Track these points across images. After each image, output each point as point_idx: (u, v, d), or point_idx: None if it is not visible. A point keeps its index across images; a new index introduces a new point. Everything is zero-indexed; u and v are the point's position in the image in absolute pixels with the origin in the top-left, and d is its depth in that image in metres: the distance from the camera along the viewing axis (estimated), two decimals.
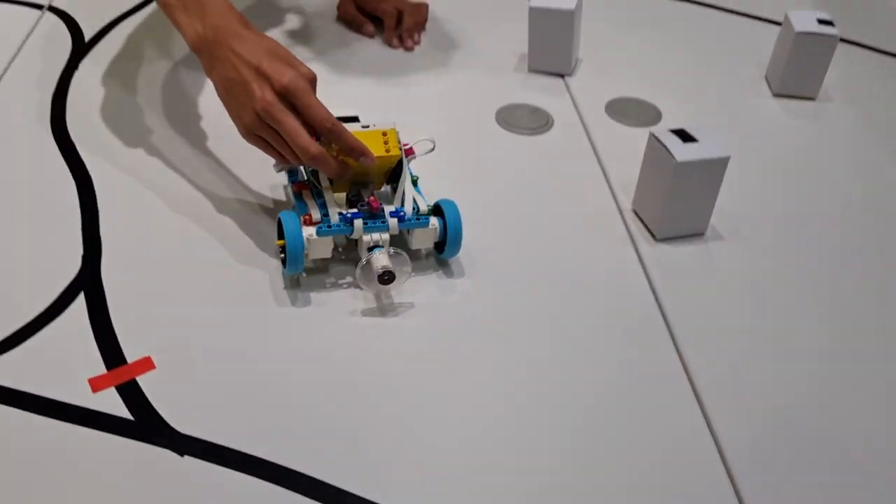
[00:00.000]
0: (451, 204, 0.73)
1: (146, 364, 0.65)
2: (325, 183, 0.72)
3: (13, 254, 0.73)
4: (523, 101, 0.99)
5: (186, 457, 0.57)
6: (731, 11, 1.25)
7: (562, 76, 1.04)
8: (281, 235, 0.70)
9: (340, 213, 0.70)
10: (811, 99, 1.05)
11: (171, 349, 0.65)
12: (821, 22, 1.01)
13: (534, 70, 1.05)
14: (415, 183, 0.76)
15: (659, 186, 0.78)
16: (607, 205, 0.84)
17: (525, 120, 0.95)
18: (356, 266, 0.69)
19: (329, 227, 0.69)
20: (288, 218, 0.69)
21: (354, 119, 0.75)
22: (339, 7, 1.14)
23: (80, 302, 0.69)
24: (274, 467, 0.57)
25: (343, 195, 0.73)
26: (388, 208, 0.71)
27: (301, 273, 0.71)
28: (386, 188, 0.76)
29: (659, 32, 1.18)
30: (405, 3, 1.11)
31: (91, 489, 0.55)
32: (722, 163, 0.77)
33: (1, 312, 0.67)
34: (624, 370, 0.66)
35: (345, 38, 1.11)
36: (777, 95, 1.05)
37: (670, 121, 0.98)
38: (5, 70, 0.98)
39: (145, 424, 0.59)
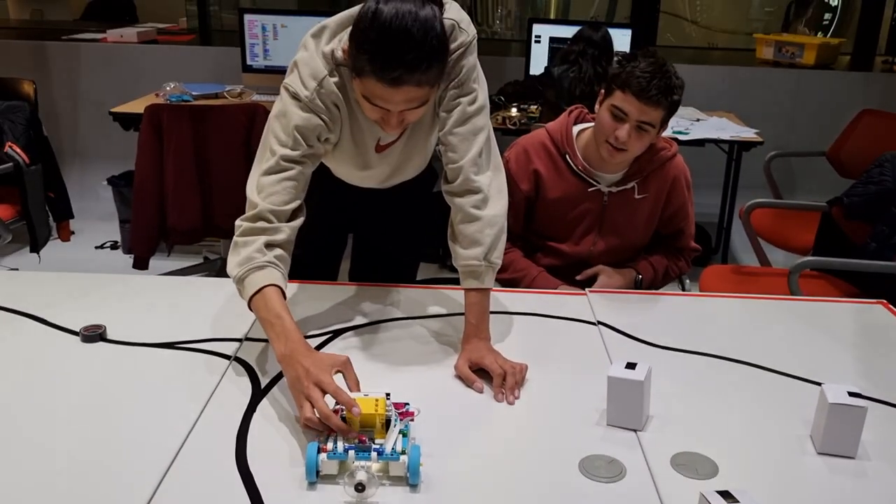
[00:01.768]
0: (416, 448, 1.13)
1: None
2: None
3: None
4: (602, 451, 1.22)
5: None
6: (779, 373, 1.48)
7: (635, 431, 1.28)
8: None
9: (345, 446, 1.13)
10: (850, 458, 1.23)
11: None
12: (851, 394, 1.23)
13: (611, 425, 1.29)
14: (403, 434, 1.16)
15: None
16: None
17: (603, 470, 1.18)
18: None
19: (333, 453, 1.12)
20: (311, 446, 1.13)
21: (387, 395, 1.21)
22: (456, 366, 1.43)
23: None
24: None
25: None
26: (379, 445, 1.14)
27: (315, 480, 1.12)
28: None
29: (717, 392, 1.41)
30: (509, 365, 1.40)
31: None
32: None
33: None
34: None
35: (457, 391, 1.39)
36: (820, 454, 1.24)
37: (726, 475, 1.17)
38: (203, 409, 1.29)
39: None
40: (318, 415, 1.18)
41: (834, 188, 2.64)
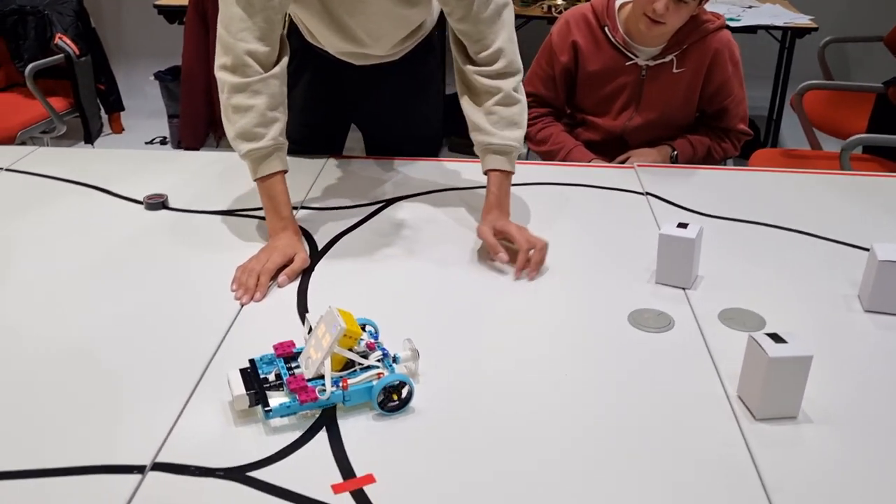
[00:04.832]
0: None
1: (369, 479, 0.91)
2: None
3: None
4: (650, 306, 1.25)
5: None
6: (829, 239, 1.49)
7: (683, 289, 1.30)
8: None
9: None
10: None
11: (387, 468, 0.92)
12: None
13: (660, 283, 1.32)
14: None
15: (757, 377, 1.01)
16: (717, 390, 1.07)
17: (651, 321, 1.21)
18: None
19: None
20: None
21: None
22: (479, 231, 1.40)
23: (323, 433, 0.98)
24: None
25: None
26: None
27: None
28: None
29: (766, 256, 1.42)
30: (535, 239, 1.37)
31: None
32: (807, 360, 0.99)
33: (277, 434, 0.97)
34: None
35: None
36: (868, 311, 1.26)
37: (773, 328, 1.20)
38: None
39: None
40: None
41: (892, 77, 2.56)
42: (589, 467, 0.93)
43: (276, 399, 0.99)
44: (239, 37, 1.32)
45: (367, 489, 0.89)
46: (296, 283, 1.31)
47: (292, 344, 1.07)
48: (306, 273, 1.34)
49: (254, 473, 0.91)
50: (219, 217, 1.54)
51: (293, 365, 1.04)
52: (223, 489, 0.89)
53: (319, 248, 1.43)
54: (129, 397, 1.03)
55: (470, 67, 1.46)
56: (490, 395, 1.05)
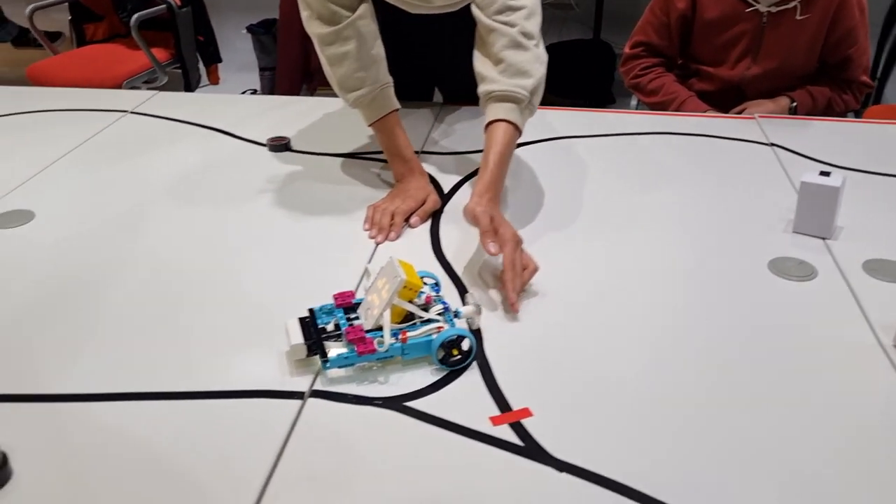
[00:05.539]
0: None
1: (526, 412, 0.92)
2: None
3: None
4: (791, 255, 1.22)
5: (564, 474, 0.83)
6: None
7: (823, 239, 1.27)
8: None
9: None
10: None
11: (544, 403, 0.92)
12: None
13: (798, 232, 1.28)
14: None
15: None
16: (869, 339, 1.04)
17: (793, 270, 1.18)
18: None
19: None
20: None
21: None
22: (470, 213, 1.17)
23: (474, 368, 0.99)
24: (626, 488, 0.81)
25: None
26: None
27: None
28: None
29: None
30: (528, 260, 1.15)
31: (490, 490, 0.81)
32: None
33: (429, 367, 0.99)
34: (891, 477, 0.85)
35: (617, 208, 1.41)
36: None
37: None
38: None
39: (531, 449, 0.86)
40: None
41: None
42: (739, 421, 0.92)
43: (333, 350, 0.96)
44: None
45: (525, 423, 0.90)
46: (427, 224, 1.32)
47: (352, 294, 1.04)
48: (436, 215, 1.35)
49: (410, 404, 0.93)
50: (343, 159, 1.55)
51: (352, 316, 1.02)
52: (382, 417, 0.91)
53: (445, 191, 1.44)
54: (279, 330, 1.06)
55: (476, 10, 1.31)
56: (634, 339, 1.04)
